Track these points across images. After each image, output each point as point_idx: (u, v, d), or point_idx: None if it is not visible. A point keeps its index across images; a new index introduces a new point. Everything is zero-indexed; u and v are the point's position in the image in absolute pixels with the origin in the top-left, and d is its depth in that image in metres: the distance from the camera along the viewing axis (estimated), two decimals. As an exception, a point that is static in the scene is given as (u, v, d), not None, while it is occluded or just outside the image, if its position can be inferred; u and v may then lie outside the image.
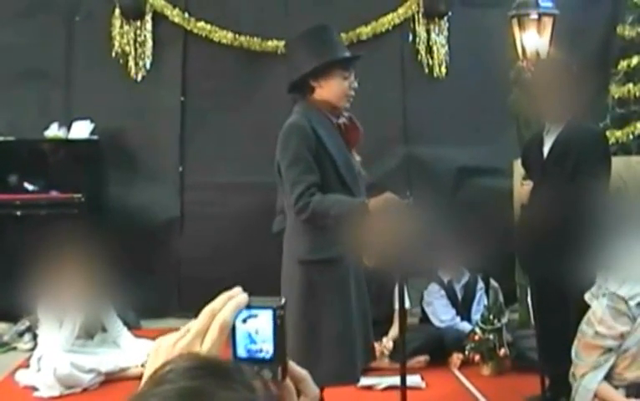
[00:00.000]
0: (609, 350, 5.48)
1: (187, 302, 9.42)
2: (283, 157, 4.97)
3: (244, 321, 1.34)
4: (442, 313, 8.10)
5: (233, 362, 1.31)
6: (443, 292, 8.16)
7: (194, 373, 1.18)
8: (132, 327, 8.34)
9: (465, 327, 7.94)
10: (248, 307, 1.35)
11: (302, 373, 1.39)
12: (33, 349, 7.58)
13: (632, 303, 5.42)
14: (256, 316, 1.35)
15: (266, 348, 1.34)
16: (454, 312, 8.12)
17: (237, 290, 1.38)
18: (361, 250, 5.21)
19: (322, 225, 4.89)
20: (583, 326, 5.56)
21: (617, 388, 5.49)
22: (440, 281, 8.21)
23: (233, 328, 1.34)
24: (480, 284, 8.28)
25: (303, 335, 4.89)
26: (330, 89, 5.05)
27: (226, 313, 1.33)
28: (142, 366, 7.41)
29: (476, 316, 7.93)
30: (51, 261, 6.92)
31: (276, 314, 1.34)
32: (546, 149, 6.08)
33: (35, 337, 7.65)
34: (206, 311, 1.35)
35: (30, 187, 9.07)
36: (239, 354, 1.36)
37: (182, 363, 1.21)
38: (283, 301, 1.36)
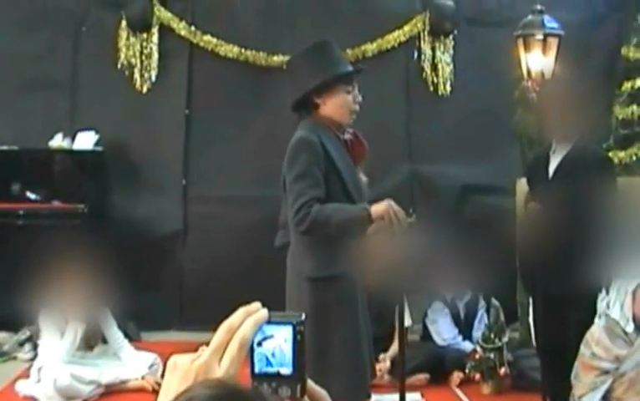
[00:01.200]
0: (606, 372, 5.49)
1: (189, 314, 9.43)
2: (290, 171, 4.89)
3: (259, 344, 1.34)
4: (445, 331, 8.10)
5: (253, 387, 1.31)
6: (447, 310, 8.17)
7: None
8: (132, 338, 8.34)
9: (467, 346, 7.94)
10: (268, 322, 1.34)
11: (321, 392, 1.38)
12: (33, 359, 7.57)
13: (627, 328, 5.44)
14: (272, 336, 1.34)
15: (285, 367, 1.34)
16: (456, 330, 8.12)
17: (257, 305, 1.37)
18: (366, 265, 5.18)
19: (325, 235, 4.83)
20: (582, 347, 5.58)
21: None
22: (444, 298, 8.21)
23: (251, 346, 1.33)
24: (482, 303, 8.28)
25: (314, 354, 4.68)
26: (333, 105, 4.99)
27: (246, 330, 1.32)
28: (142, 378, 7.43)
29: (477, 334, 7.93)
30: (53, 271, 6.91)
31: (296, 330, 1.34)
32: (551, 169, 6.08)
33: (35, 347, 7.65)
34: (224, 326, 1.33)
35: (33, 196, 9.07)
36: (257, 371, 1.35)
37: (203, 391, 1.21)
38: (303, 316, 1.36)
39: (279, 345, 1.33)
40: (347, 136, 5.11)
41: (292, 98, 5.23)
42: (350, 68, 5.23)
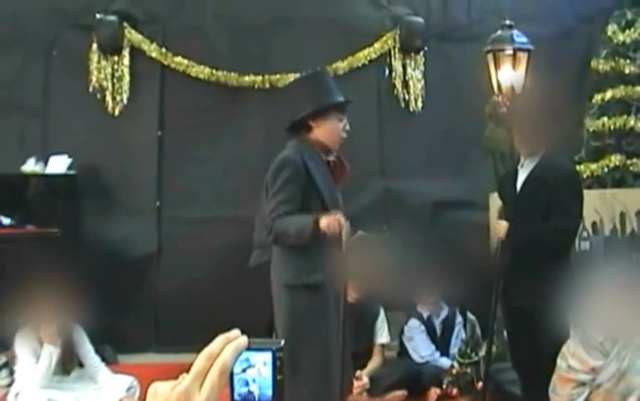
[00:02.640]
0: (582, 384, 5.51)
1: (165, 336, 9.40)
2: (271, 186, 5.31)
3: (243, 370, 1.35)
4: (422, 349, 8.11)
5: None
6: (423, 328, 8.18)
7: None
8: (109, 361, 8.30)
9: (444, 362, 7.96)
10: (248, 348, 1.35)
11: None
12: (10, 385, 7.53)
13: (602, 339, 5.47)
14: (253, 365, 1.35)
15: (265, 393, 1.35)
16: (433, 347, 8.14)
17: (236, 332, 1.37)
18: (341, 278, 5.32)
19: (289, 244, 5.23)
20: (558, 360, 5.61)
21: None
22: (420, 316, 8.23)
23: (231, 372, 1.33)
24: (459, 318, 8.31)
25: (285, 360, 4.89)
26: (326, 130, 5.42)
27: (226, 356, 1.32)
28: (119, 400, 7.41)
29: (454, 350, 7.97)
30: (27, 296, 6.88)
31: (275, 356, 1.36)
32: (519, 183, 6.13)
33: (12, 373, 7.60)
34: (204, 354, 1.34)
35: (6, 221, 9.02)
36: (237, 396, 1.36)
37: None
38: (282, 343, 1.38)
39: (259, 371, 1.34)
40: (331, 158, 5.47)
41: (287, 118, 5.56)
42: (342, 98, 5.58)
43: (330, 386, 5.22)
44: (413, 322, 8.22)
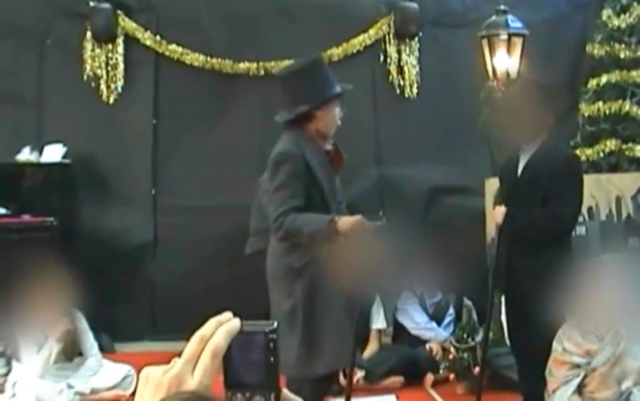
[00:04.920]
0: (577, 366, 5.53)
1: (161, 324, 9.41)
2: (272, 181, 5.28)
3: (236, 353, 1.34)
4: (416, 316, 8.14)
5: (227, 398, 1.31)
6: (415, 299, 8.21)
7: None
8: (106, 350, 8.32)
9: (442, 332, 8.00)
10: (240, 331, 1.33)
11: (296, 399, 1.38)
12: (7, 374, 7.53)
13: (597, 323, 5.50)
14: (247, 343, 1.35)
15: (259, 374, 1.34)
16: (427, 317, 8.16)
17: (228, 315, 1.36)
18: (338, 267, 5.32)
19: (298, 244, 5.18)
20: (554, 343, 5.63)
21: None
22: (413, 290, 8.27)
23: (226, 355, 1.32)
24: (451, 310, 8.34)
25: (304, 332, 5.25)
26: (327, 119, 5.40)
27: (218, 339, 1.31)
28: (115, 388, 7.42)
29: (444, 333, 8.04)
30: (23, 286, 6.87)
31: (268, 338, 1.34)
32: (520, 168, 6.12)
33: (10, 361, 7.59)
34: (196, 337, 1.33)
35: (2, 211, 9.01)
36: (231, 381, 1.35)
37: None
38: (275, 325, 1.35)
39: (252, 353, 1.34)
40: (328, 147, 5.46)
41: (283, 105, 5.54)
42: (339, 86, 5.58)
43: (347, 343, 5.31)
44: (406, 294, 8.27)
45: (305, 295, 5.28)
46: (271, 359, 1.34)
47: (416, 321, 8.12)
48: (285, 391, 1.35)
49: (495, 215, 6.14)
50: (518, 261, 5.95)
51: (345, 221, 5.03)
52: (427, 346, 7.99)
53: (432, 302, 8.30)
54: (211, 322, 1.34)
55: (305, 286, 5.29)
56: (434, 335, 8.06)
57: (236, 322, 1.34)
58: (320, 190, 5.29)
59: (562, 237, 6.00)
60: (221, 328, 1.33)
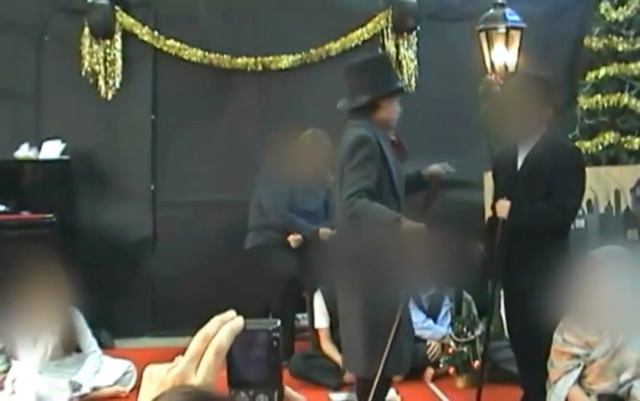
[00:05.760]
0: (576, 356, 5.55)
1: (161, 320, 9.41)
2: (349, 162, 5.51)
3: (240, 347, 1.35)
4: (412, 315, 8.13)
5: (230, 395, 1.31)
6: (410, 298, 8.19)
7: None
8: (106, 346, 8.32)
9: (440, 330, 7.99)
10: (244, 329, 1.34)
11: (299, 397, 1.39)
12: (7, 371, 7.53)
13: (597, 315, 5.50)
14: (250, 341, 1.35)
15: (262, 372, 1.35)
16: (424, 316, 8.15)
17: (231, 314, 1.37)
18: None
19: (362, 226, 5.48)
20: (555, 334, 5.64)
21: (588, 395, 5.56)
22: (409, 288, 8.25)
23: (229, 353, 1.33)
24: (446, 301, 8.32)
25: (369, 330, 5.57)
26: (391, 109, 5.82)
27: (221, 338, 1.32)
28: (115, 384, 7.43)
29: (441, 330, 8.02)
30: (23, 282, 6.87)
31: (271, 336, 1.35)
32: (520, 161, 6.12)
33: (9, 358, 7.59)
34: (199, 335, 1.34)
35: (1, 208, 9.00)
36: (235, 379, 1.36)
37: (178, 398, 1.22)
38: (278, 323, 1.36)
39: (255, 352, 1.34)
40: (393, 138, 5.84)
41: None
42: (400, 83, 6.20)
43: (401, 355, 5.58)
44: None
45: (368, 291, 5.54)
46: (274, 357, 1.35)
47: (413, 321, 8.11)
48: (288, 389, 1.36)
49: (500, 209, 6.14)
50: (517, 254, 5.96)
51: (410, 225, 5.36)
52: (427, 343, 7.98)
53: (427, 296, 8.28)
54: (215, 321, 1.35)
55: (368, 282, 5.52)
56: (432, 334, 8.04)
57: (239, 321, 1.35)
58: (389, 174, 5.60)
59: (563, 230, 6.02)
60: (225, 327, 1.33)
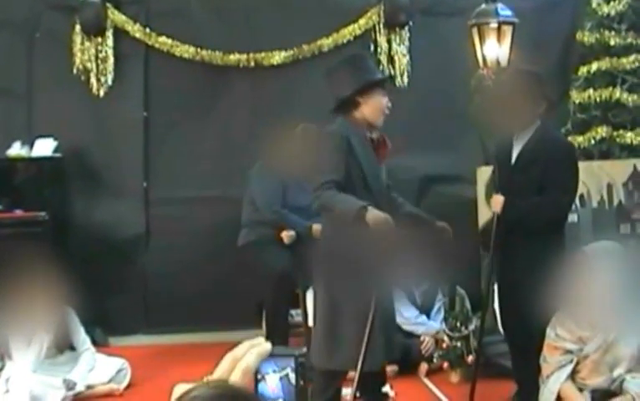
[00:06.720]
0: (569, 352, 5.55)
1: (155, 317, 9.40)
2: (318, 157, 5.67)
3: (267, 375, 1.43)
4: (405, 311, 8.13)
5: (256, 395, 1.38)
6: (403, 294, 8.18)
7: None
8: (99, 344, 8.32)
9: (433, 325, 8.00)
10: (271, 355, 1.42)
11: None
12: (1, 370, 7.51)
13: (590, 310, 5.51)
14: (276, 371, 1.42)
15: (287, 399, 1.42)
16: (417, 311, 8.16)
17: (260, 339, 1.45)
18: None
19: (330, 217, 5.60)
20: (547, 329, 5.65)
21: (581, 391, 5.57)
22: (401, 284, 8.25)
23: (256, 379, 1.41)
24: (439, 295, 8.34)
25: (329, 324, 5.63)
26: (372, 106, 5.73)
27: (249, 360, 1.40)
28: (109, 382, 7.43)
29: (434, 325, 8.03)
30: (16, 280, 6.85)
31: (298, 362, 1.43)
32: (514, 155, 6.13)
33: (3, 357, 7.58)
34: (228, 357, 1.41)
35: (-6, 207, 9.01)
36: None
37: (207, 391, 1.27)
38: (304, 350, 1.46)
39: (281, 376, 1.42)
40: (374, 135, 5.79)
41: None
42: (380, 74, 6.14)
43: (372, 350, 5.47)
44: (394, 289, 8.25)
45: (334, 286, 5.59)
46: (301, 381, 1.43)
47: (405, 316, 8.11)
48: None
49: (494, 204, 6.15)
50: (511, 249, 5.98)
51: (373, 214, 5.28)
52: (420, 338, 7.99)
53: (420, 291, 8.29)
54: (244, 344, 1.44)
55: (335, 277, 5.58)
56: (425, 329, 8.05)
57: (267, 346, 1.43)
58: (361, 171, 5.58)
59: (558, 224, 6.03)
60: (253, 350, 1.42)
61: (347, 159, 5.53)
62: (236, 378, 1.37)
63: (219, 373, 1.38)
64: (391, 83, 9.78)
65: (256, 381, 1.41)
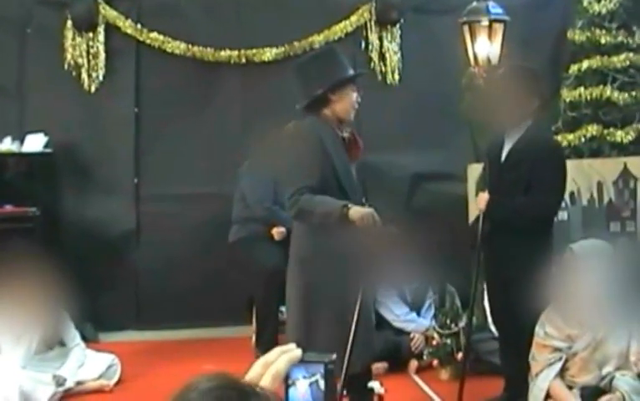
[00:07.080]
0: (558, 350, 5.57)
1: (145, 313, 9.40)
2: (288, 159, 5.52)
3: (297, 381, 1.47)
4: (395, 308, 8.13)
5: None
6: (394, 291, 8.19)
7: (217, 393, 1.27)
8: (90, 340, 8.31)
9: (423, 322, 8.01)
10: (301, 360, 1.47)
11: None
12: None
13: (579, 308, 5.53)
14: (306, 377, 1.46)
15: None
16: (407, 308, 8.17)
17: (291, 345, 1.50)
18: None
19: (310, 223, 5.36)
20: (536, 327, 5.66)
21: (570, 388, 5.59)
22: (392, 281, 8.26)
23: (287, 385, 1.45)
24: (430, 292, 8.35)
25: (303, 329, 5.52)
26: (343, 102, 5.57)
27: (279, 365, 1.44)
28: (99, 378, 7.42)
29: (425, 322, 8.04)
30: (6, 276, 6.84)
31: (327, 368, 1.47)
32: (504, 153, 6.14)
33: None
34: (260, 361, 1.46)
35: (-16, 202, 8.99)
36: None
37: (204, 382, 1.30)
38: (334, 356, 1.49)
39: (311, 382, 1.46)
40: (346, 134, 5.63)
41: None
42: (353, 71, 5.79)
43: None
44: (385, 285, 8.24)
45: (311, 283, 5.46)
46: (330, 387, 1.47)
47: (396, 313, 8.12)
48: None
49: (479, 201, 6.16)
50: (500, 246, 5.98)
51: (357, 210, 5.15)
52: (410, 335, 8.00)
53: (411, 288, 8.29)
54: (275, 350, 1.48)
55: (313, 275, 5.45)
56: (415, 327, 8.06)
57: (297, 352, 1.48)
58: (334, 171, 5.43)
59: (545, 224, 6.04)
60: (284, 356, 1.46)
61: (321, 161, 5.39)
62: (265, 382, 1.41)
63: (250, 377, 1.43)
64: (382, 80, 9.81)
65: (287, 386, 1.45)
